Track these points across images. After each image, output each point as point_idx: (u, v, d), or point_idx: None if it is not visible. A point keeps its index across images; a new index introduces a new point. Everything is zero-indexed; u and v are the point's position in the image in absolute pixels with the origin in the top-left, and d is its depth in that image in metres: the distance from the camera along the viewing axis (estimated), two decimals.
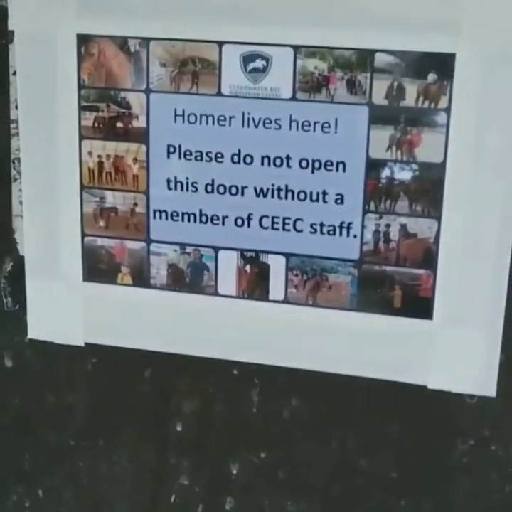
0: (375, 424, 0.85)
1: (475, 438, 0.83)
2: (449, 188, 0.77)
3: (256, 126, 0.80)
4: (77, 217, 0.87)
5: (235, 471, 0.90)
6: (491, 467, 0.83)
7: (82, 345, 0.90)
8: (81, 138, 0.85)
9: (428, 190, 0.77)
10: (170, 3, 0.79)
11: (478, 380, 0.80)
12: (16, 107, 0.86)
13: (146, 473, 0.93)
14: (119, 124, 0.83)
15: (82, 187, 0.86)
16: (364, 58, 0.76)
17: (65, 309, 0.89)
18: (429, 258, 0.79)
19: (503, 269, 0.77)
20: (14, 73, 0.85)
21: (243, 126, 0.80)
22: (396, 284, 0.80)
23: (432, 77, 0.75)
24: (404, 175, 0.78)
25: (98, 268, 0.88)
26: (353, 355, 0.83)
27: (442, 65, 0.74)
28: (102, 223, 0.87)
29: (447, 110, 0.75)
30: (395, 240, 0.79)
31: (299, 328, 0.84)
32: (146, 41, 0.81)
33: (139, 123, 0.83)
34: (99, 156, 0.85)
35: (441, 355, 0.81)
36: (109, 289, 0.88)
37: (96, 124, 0.84)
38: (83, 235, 0.87)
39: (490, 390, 0.80)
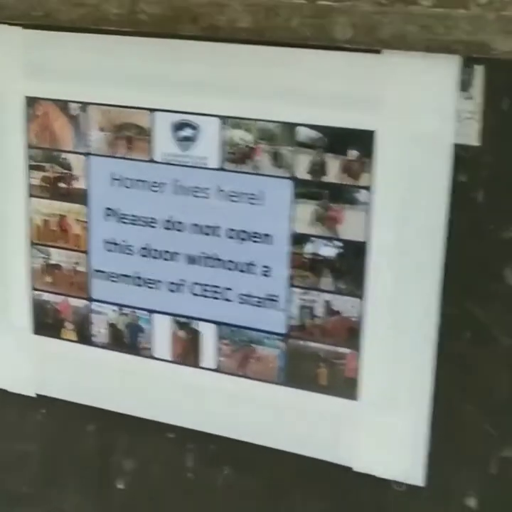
0: (304, 499, 0.82)
1: None
2: (372, 267, 0.74)
3: (186, 194, 0.79)
4: (26, 272, 0.89)
5: None
6: None
7: (34, 395, 0.92)
8: (30, 196, 0.87)
9: (351, 268, 0.75)
10: (106, 70, 0.79)
11: (404, 466, 0.77)
12: None
13: None
14: (62, 185, 0.85)
15: (31, 243, 0.88)
16: (287, 131, 0.74)
17: (17, 360, 0.91)
18: (353, 337, 0.76)
19: (427, 350, 0.73)
20: None
21: (174, 193, 0.80)
22: (321, 362, 0.78)
23: (352, 153, 0.72)
24: (327, 251, 0.75)
25: (45, 322, 0.89)
26: (280, 429, 0.81)
27: (363, 141, 0.71)
28: (48, 279, 0.88)
29: (369, 188, 0.72)
30: (320, 317, 0.77)
31: (230, 397, 0.82)
32: (85, 105, 0.82)
33: (80, 184, 0.84)
34: (46, 214, 0.86)
35: (366, 437, 0.77)
36: (56, 344, 0.89)
37: (43, 183, 0.86)
38: (32, 289, 0.89)
39: (416, 478, 0.76)
